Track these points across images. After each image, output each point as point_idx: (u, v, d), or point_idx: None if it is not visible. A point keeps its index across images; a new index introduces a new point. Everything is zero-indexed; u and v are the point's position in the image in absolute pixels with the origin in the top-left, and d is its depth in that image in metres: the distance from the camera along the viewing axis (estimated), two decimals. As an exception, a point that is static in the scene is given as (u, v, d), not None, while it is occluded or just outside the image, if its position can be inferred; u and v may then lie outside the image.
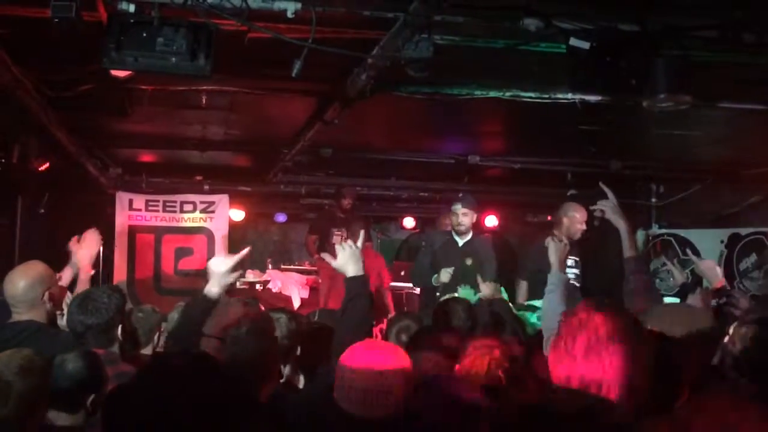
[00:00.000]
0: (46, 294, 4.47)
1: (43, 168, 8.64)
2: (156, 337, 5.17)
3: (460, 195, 8.66)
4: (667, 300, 6.52)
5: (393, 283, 10.23)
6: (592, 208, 4.56)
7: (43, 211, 9.65)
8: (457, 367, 3.60)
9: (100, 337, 4.25)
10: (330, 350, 4.65)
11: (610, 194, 4.81)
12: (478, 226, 8.95)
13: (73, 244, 5.85)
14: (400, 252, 13.79)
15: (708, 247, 10.17)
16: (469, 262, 8.35)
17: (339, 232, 10.66)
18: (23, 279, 4.48)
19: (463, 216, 8.34)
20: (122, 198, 11.38)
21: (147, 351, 5.03)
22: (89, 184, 10.60)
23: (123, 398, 2.30)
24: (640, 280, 4.22)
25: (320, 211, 11.86)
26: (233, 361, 3.35)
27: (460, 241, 8.47)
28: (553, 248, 4.77)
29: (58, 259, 5.88)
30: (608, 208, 4.61)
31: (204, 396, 2.24)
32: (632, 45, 4.75)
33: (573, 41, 4.71)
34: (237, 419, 2.29)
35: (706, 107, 6.33)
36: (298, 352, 4.40)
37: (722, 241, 10.14)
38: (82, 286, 5.56)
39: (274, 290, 9.98)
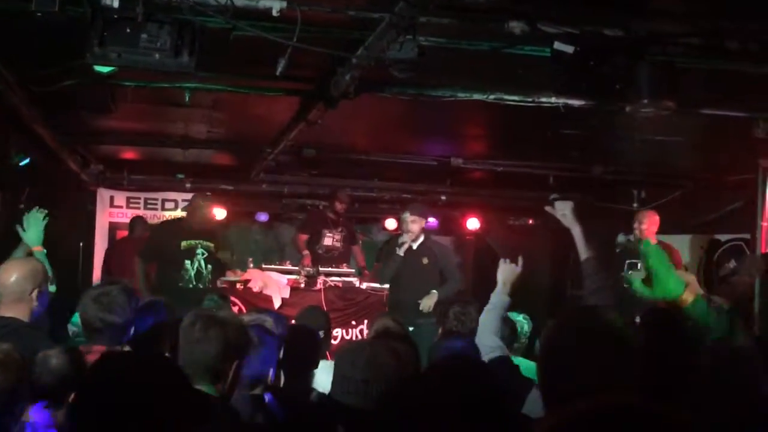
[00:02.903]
0: (35, 291, 4.45)
1: (23, 163, 8.57)
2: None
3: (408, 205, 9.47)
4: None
5: (373, 285, 10.21)
6: (546, 207, 4.53)
7: (23, 206, 9.57)
8: None
9: (115, 336, 4.16)
10: (313, 350, 4.69)
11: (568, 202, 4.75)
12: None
13: None
14: (381, 253, 13.75)
15: (688, 252, 10.21)
16: (425, 261, 9.09)
17: (330, 234, 10.69)
18: (17, 271, 4.47)
19: (412, 223, 9.00)
20: (103, 194, 11.34)
21: None
22: (70, 180, 10.55)
23: (79, 397, 2.33)
24: (604, 278, 4.24)
25: (312, 211, 11.88)
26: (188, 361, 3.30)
27: (414, 244, 9.12)
28: (503, 269, 4.81)
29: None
30: (567, 210, 4.56)
31: (152, 397, 2.25)
32: (616, 50, 4.77)
33: (557, 45, 4.72)
34: (187, 420, 2.31)
35: (689, 113, 6.35)
36: (281, 353, 4.40)
37: (702, 247, 10.19)
38: None
39: (254, 290, 9.91)
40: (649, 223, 8.65)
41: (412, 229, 9.02)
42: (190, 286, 9.09)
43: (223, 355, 3.29)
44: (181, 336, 3.35)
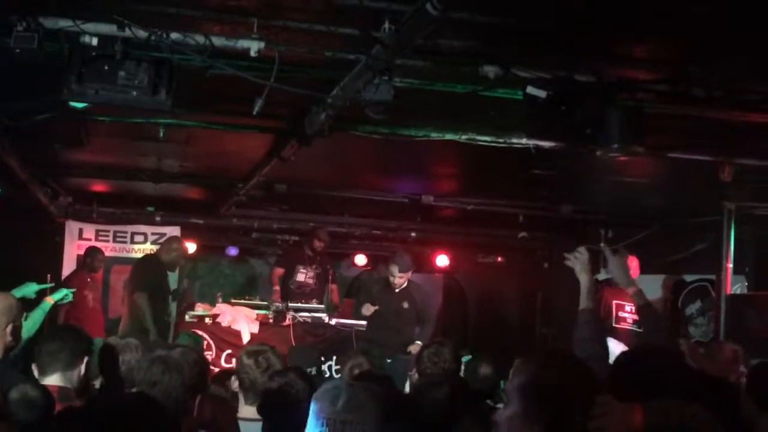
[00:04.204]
0: (10, 326, 4.42)
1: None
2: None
3: (397, 256, 9.82)
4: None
5: (343, 320, 10.23)
6: (566, 254, 4.59)
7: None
8: None
9: (68, 364, 4.14)
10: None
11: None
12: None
13: None
14: (351, 289, 13.76)
15: (654, 292, 10.30)
16: (405, 305, 9.55)
17: (304, 270, 10.72)
18: None
19: (400, 278, 9.50)
20: (72, 227, 11.25)
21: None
22: (39, 212, 10.46)
23: None
24: (594, 330, 4.29)
25: (290, 246, 11.93)
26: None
27: (397, 289, 9.61)
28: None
29: (3, 285, 5.80)
30: (582, 258, 4.63)
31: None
32: (588, 95, 4.86)
33: (530, 89, 4.80)
34: None
35: (657, 156, 6.46)
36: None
37: (668, 287, 10.29)
38: None
39: (223, 324, 9.89)
40: (635, 266, 8.96)
41: (399, 282, 9.54)
42: (171, 319, 9.37)
43: (184, 394, 3.32)
44: (137, 377, 3.36)
